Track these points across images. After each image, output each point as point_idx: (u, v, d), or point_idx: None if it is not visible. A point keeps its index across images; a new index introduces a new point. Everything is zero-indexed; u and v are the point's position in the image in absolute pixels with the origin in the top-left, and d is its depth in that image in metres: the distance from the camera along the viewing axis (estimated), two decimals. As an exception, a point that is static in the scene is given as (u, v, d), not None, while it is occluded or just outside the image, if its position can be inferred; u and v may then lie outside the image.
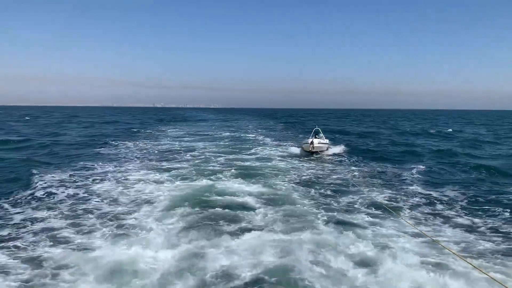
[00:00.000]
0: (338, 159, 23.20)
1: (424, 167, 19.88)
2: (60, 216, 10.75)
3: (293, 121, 77.19)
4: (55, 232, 9.46)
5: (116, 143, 29.78)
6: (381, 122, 78.84)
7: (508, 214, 11.54)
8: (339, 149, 26.60)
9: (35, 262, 7.76)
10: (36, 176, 15.79)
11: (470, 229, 10.24)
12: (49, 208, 11.47)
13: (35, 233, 9.35)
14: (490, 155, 26.38)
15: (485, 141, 35.63)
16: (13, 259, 7.84)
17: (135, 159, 21.95)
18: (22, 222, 10.22)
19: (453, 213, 11.74)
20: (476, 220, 11.01)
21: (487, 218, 11.20)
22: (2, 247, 8.45)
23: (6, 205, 11.73)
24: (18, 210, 11.30)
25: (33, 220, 10.33)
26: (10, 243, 8.68)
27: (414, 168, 19.60)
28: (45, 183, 14.71)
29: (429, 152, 26.87)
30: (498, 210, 11.94)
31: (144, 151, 25.85)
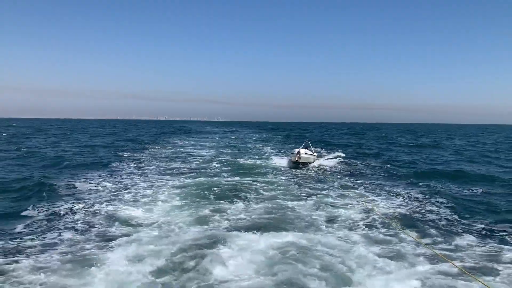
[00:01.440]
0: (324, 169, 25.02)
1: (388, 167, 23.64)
2: (103, 192, 15.05)
3: (292, 134, 79.78)
4: (104, 199, 13.68)
5: (127, 151, 33.10)
6: (379, 136, 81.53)
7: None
8: (327, 162, 26.56)
9: (97, 213, 11.85)
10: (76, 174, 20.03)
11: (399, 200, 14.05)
12: (96, 191, 15.62)
13: (94, 199, 13.75)
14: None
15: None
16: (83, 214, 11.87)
17: (148, 160, 26.05)
18: (88, 192, 15.04)
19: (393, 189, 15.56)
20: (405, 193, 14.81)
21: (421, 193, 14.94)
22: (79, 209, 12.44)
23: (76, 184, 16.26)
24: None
25: (88, 193, 14.76)
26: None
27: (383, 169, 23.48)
28: (85, 177, 18.96)
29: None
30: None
31: (154, 156, 29.82)
